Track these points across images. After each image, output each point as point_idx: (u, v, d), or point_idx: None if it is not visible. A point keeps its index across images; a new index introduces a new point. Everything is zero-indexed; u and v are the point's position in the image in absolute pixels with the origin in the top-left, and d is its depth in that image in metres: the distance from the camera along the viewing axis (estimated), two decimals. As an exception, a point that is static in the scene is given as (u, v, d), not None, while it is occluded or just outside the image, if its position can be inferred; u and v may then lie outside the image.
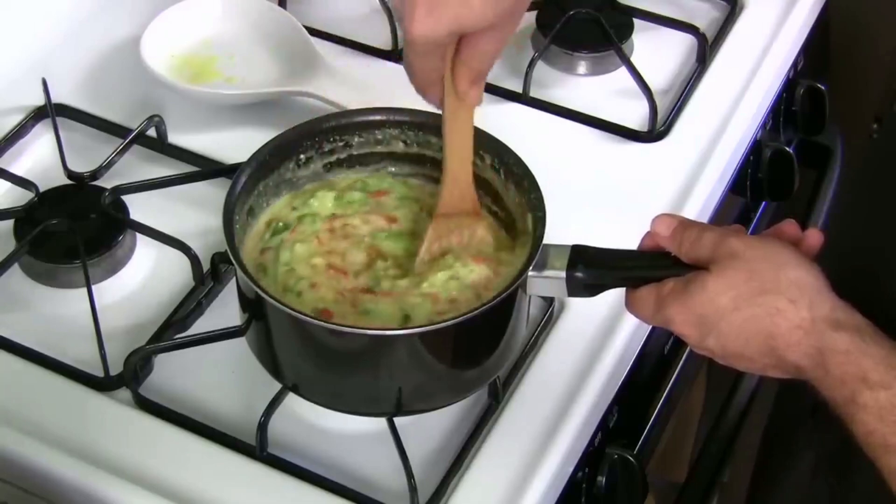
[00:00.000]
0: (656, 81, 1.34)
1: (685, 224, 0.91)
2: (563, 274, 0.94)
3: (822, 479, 1.09)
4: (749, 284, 0.85)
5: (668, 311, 0.89)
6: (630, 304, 0.93)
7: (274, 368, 1.01)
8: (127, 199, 1.18)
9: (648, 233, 0.95)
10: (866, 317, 0.85)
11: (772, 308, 0.85)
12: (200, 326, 1.11)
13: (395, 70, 1.35)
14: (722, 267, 0.86)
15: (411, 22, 0.90)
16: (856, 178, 1.16)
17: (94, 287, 1.10)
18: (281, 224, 1.04)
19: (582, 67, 1.38)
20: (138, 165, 1.24)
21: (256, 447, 1.02)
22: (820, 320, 0.84)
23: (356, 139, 1.08)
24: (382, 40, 1.38)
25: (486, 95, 1.30)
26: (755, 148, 1.38)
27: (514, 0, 0.92)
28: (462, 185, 1.02)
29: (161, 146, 1.26)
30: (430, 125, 1.06)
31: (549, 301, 1.12)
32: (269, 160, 1.05)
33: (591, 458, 1.09)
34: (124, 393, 1.06)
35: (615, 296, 1.04)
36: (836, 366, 0.83)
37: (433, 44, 0.91)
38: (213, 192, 1.16)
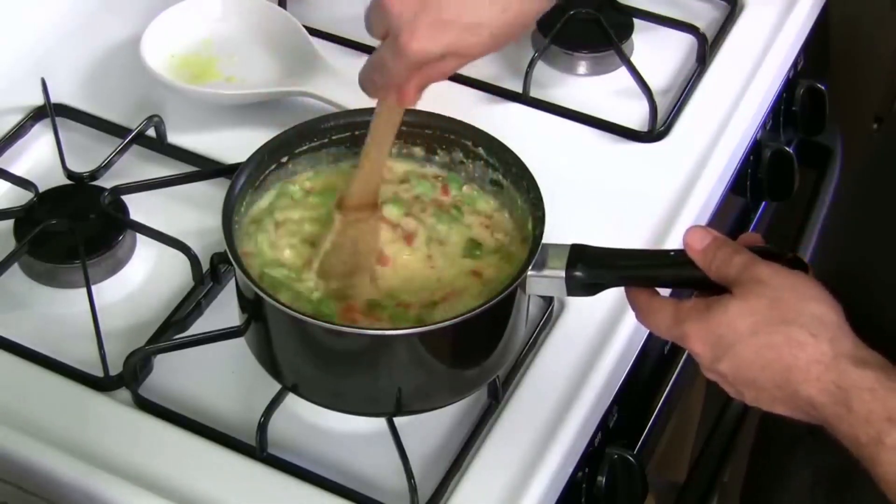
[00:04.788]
0: (656, 81, 1.34)
1: (719, 242, 0.89)
2: (562, 273, 0.94)
3: (822, 497, 1.08)
4: (771, 312, 0.84)
5: (685, 327, 0.88)
6: (643, 315, 0.92)
7: (273, 369, 1.01)
8: (127, 199, 1.18)
9: None
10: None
11: (791, 339, 0.83)
12: (200, 327, 1.11)
13: (395, 70, 1.35)
14: (746, 291, 0.85)
15: (412, 36, 0.92)
16: (856, 178, 1.16)
17: (93, 287, 1.10)
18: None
19: (582, 67, 1.38)
20: (138, 165, 1.24)
21: (256, 447, 1.02)
22: (842, 357, 0.82)
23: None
24: (382, 40, 1.38)
25: (486, 95, 1.33)
26: (755, 148, 1.38)
27: (511, 35, 0.96)
28: (375, 178, 1.03)
29: (161, 146, 1.26)
30: (431, 125, 1.06)
31: (548, 301, 1.12)
32: (269, 160, 1.05)
33: (591, 458, 1.09)
34: (124, 393, 1.06)
35: (615, 296, 1.04)
36: (860, 403, 0.81)
37: (423, 61, 0.94)
38: (212, 192, 1.16)
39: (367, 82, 0.99)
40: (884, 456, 0.80)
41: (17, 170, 1.23)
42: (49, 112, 1.26)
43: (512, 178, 1.05)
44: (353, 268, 1.02)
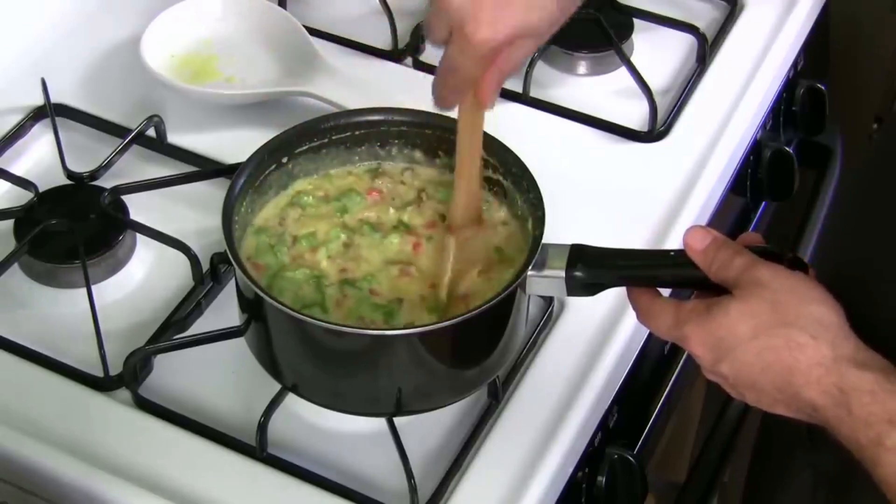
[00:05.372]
0: (656, 81, 1.34)
1: (719, 243, 0.89)
2: (562, 273, 0.94)
3: (822, 498, 1.08)
4: (771, 315, 0.84)
5: (685, 329, 0.87)
6: (644, 316, 0.92)
7: (273, 369, 1.01)
8: (127, 199, 1.18)
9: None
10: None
11: (792, 342, 0.83)
12: (200, 326, 1.11)
13: (395, 70, 1.35)
14: (746, 294, 0.85)
15: (478, 26, 0.88)
16: (855, 178, 1.16)
17: (93, 287, 1.10)
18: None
19: (582, 67, 1.38)
20: (138, 165, 1.24)
21: (256, 447, 1.02)
22: (842, 359, 0.82)
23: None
24: (382, 40, 1.38)
25: (485, 95, 1.32)
26: (755, 148, 1.38)
27: (571, 4, 0.93)
28: (475, 194, 1.02)
29: (160, 146, 1.26)
30: (431, 125, 1.06)
31: (548, 301, 1.12)
32: (269, 160, 1.05)
33: (591, 458, 1.09)
34: (124, 393, 1.06)
35: (615, 296, 1.04)
36: (860, 406, 0.81)
37: (493, 49, 0.90)
38: (212, 192, 1.16)
39: (440, 91, 0.95)
40: (884, 458, 0.80)
41: (17, 170, 1.23)
42: (49, 112, 1.26)
43: (512, 178, 1.04)
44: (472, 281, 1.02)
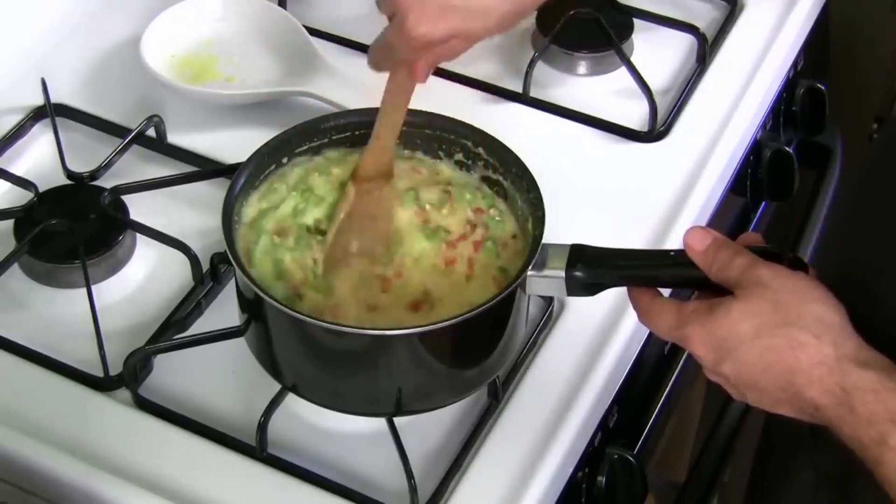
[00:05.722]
0: (656, 81, 1.34)
1: (719, 243, 0.89)
2: (562, 273, 0.94)
3: (824, 499, 1.08)
4: (773, 315, 0.84)
5: (687, 330, 0.87)
6: (645, 316, 0.92)
7: (273, 369, 1.01)
8: (127, 199, 1.18)
9: None
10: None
11: (794, 341, 0.83)
12: (200, 327, 1.11)
13: (395, 70, 1.35)
14: (748, 294, 0.85)
15: (418, 20, 0.94)
16: (855, 178, 1.16)
17: (93, 287, 1.10)
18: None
19: (582, 67, 1.38)
20: (138, 165, 1.24)
21: (256, 447, 1.02)
22: (845, 358, 0.82)
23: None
24: (382, 40, 1.38)
25: (486, 95, 1.33)
26: (755, 148, 1.38)
27: (518, 18, 0.98)
28: (387, 152, 1.04)
29: (160, 146, 1.26)
30: (431, 125, 1.06)
31: (548, 301, 1.12)
32: (269, 160, 1.05)
33: (591, 458, 1.09)
34: (124, 393, 1.06)
35: (615, 296, 1.04)
36: (863, 405, 0.81)
37: (428, 44, 0.96)
38: (212, 192, 1.16)
39: (375, 57, 1.02)
40: (887, 456, 0.80)
41: (17, 170, 1.23)
42: (49, 112, 1.26)
43: (512, 178, 1.05)
44: (370, 239, 1.03)
